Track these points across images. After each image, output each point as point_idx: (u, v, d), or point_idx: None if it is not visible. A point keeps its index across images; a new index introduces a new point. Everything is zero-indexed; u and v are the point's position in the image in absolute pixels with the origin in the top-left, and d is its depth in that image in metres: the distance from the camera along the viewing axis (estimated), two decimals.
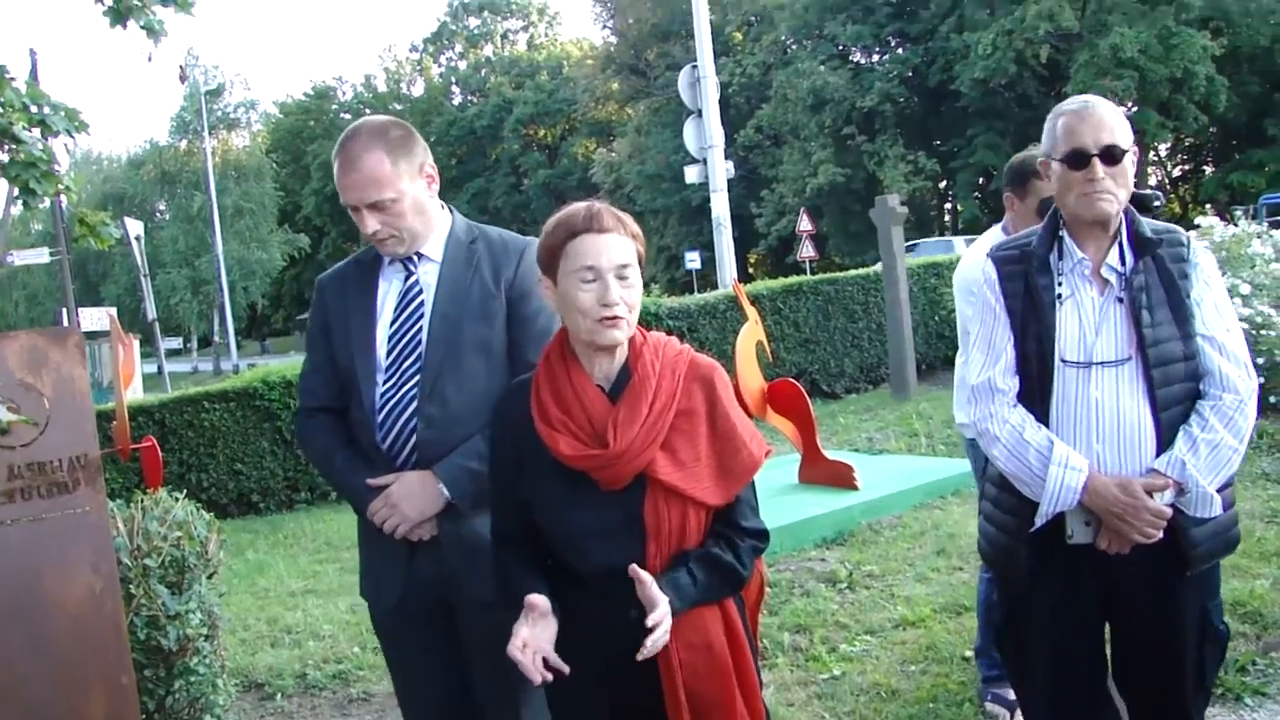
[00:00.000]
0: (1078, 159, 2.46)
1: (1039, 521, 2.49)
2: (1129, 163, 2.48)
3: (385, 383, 2.62)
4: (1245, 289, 8.15)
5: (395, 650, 2.78)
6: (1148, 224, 2.53)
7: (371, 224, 2.59)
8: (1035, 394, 2.53)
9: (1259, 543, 5.25)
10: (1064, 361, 2.49)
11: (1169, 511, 2.41)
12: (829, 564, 5.76)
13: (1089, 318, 2.49)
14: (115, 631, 2.62)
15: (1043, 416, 2.51)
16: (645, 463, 2.09)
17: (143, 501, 3.84)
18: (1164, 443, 2.43)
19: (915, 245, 26.67)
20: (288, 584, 6.89)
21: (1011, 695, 3.74)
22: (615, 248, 2.13)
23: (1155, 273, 2.47)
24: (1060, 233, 2.56)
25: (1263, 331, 7.91)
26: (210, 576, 3.93)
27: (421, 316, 2.64)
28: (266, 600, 6.56)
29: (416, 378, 2.59)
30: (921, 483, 7.15)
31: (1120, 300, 2.47)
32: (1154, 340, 2.43)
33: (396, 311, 2.66)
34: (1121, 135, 2.47)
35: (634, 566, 2.05)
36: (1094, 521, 2.47)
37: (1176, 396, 2.45)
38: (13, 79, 6.43)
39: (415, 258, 2.69)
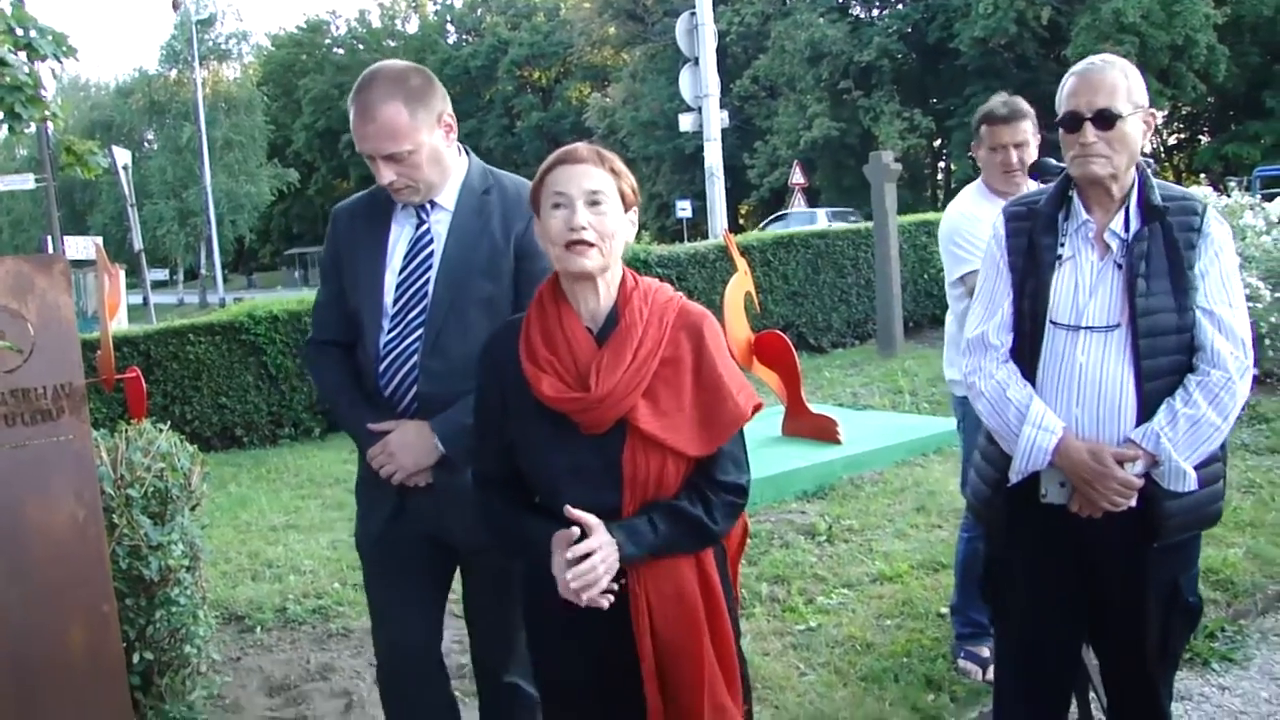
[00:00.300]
0: (1071, 122, 2.46)
1: (1013, 478, 2.52)
2: (1130, 127, 2.45)
3: (390, 330, 2.62)
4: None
5: (380, 570, 2.78)
6: (1163, 190, 2.50)
7: (387, 175, 2.56)
8: (1026, 352, 2.54)
9: (1235, 512, 5.30)
10: (1054, 323, 2.49)
11: (1138, 482, 2.41)
12: (809, 517, 5.80)
13: (1085, 280, 2.48)
14: (97, 560, 2.62)
15: (1030, 375, 2.52)
16: (626, 409, 2.08)
17: (126, 432, 3.83)
18: (1146, 413, 2.42)
19: (784, 216, 26.64)
20: (269, 518, 6.91)
21: (984, 653, 3.80)
22: (587, 176, 2.11)
23: (1160, 241, 2.44)
24: (1070, 193, 2.55)
25: (1250, 304, 7.94)
26: (193, 508, 3.93)
27: (430, 268, 2.63)
28: (248, 534, 6.58)
29: (420, 330, 2.60)
30: (904, 440, 7.19)
31: (1119, 266, 2.46)
32: (1146, 310, 2.41)
33: (406, 259, 2.65)
34: (1122, 99, 2.44)
35: (567, 507, 2.06)
36: (1069, 483, 2.48)
37: (1165, 368, 2.43)
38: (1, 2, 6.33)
39: (429, 205, 2.67)
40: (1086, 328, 2.46)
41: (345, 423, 2.75)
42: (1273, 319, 7.99)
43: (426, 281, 2.62)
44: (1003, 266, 2.60)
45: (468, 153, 2.76)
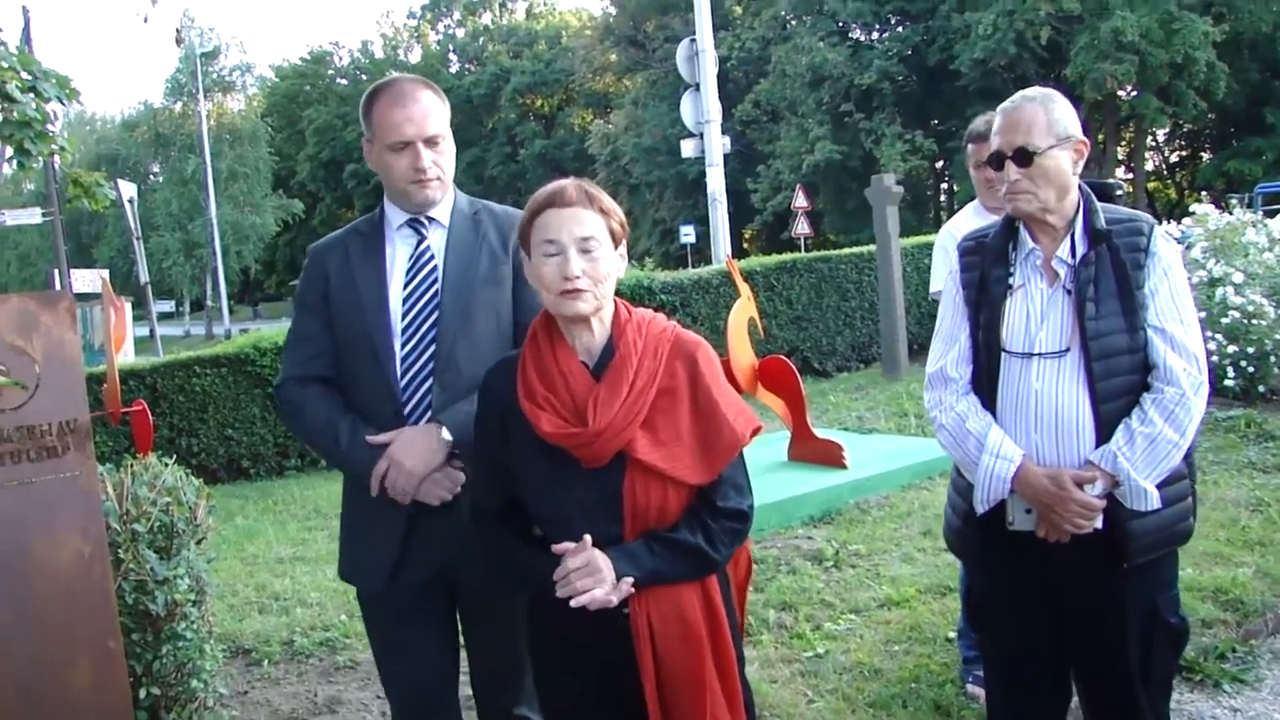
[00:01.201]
0: (995, 160, 2.54)
1: (978, 508, 2.55)
2: (1052, 160, 2.48)
3: (404, 347, 2.60)
4: (1238, 277, 8.18)
5: (384, 625, 2.73)
6: (1108, 214, 2.53)
7: (425, 158, 2.59)
8: (984, 383, 2.58)
9: (1243, 531, 5.29)
10: (1007, 351, 2.53)
11: (1099, 504, 2.42)
12: (816, 542, 5.79)
13: (1035, 308, 2.52)
14: (103, 596, 2.62)
15: (990, 405, 2.56)
16: (625, 441, 2.09)
17: (132, 466, 3.84)
18: (1104, 435, 2.44)
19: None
20: (276, 550, 6.91)
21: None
22: (577, 221, 2.12)
23: (1108, 263, 2.47)
24: (1017, 224, 2.60)
25: (1253, 320, 7.95)
26: (199, 542, 3.94)
27: (435, 281, 2.63)
28: (255, 566, 6.57)
29: (434, 343, 2.59)
30: (910, 463, 7.18)
31: (1068, 291, 2.49)
32: (1096, 332, 2.43)
33: (409, 275, 2.65)
34: (1040, 134, 2.47)
35: (558, 546, 2.09)
36: (1035, 510, 2.50)
37: (1119, 389, 2.45)
38: (2, 41, 6.38)
39: (426, 221, 2.69)
40: (1039, 354, 2.49)
41: (347, 455, 2.61)
42: (1277, 336, 7.98)
43: (435, 295, 2.62)
44: (959, 300, 2.65)
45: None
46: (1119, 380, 2.44)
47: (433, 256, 2.66)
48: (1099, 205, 2.54)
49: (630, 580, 2.07)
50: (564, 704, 2.29)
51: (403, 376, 2.60)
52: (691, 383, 2.16)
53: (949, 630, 4.38)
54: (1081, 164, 2.54)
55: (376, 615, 2.75)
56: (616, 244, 2.19)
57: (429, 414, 2.58)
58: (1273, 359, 7.99)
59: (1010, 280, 2.56)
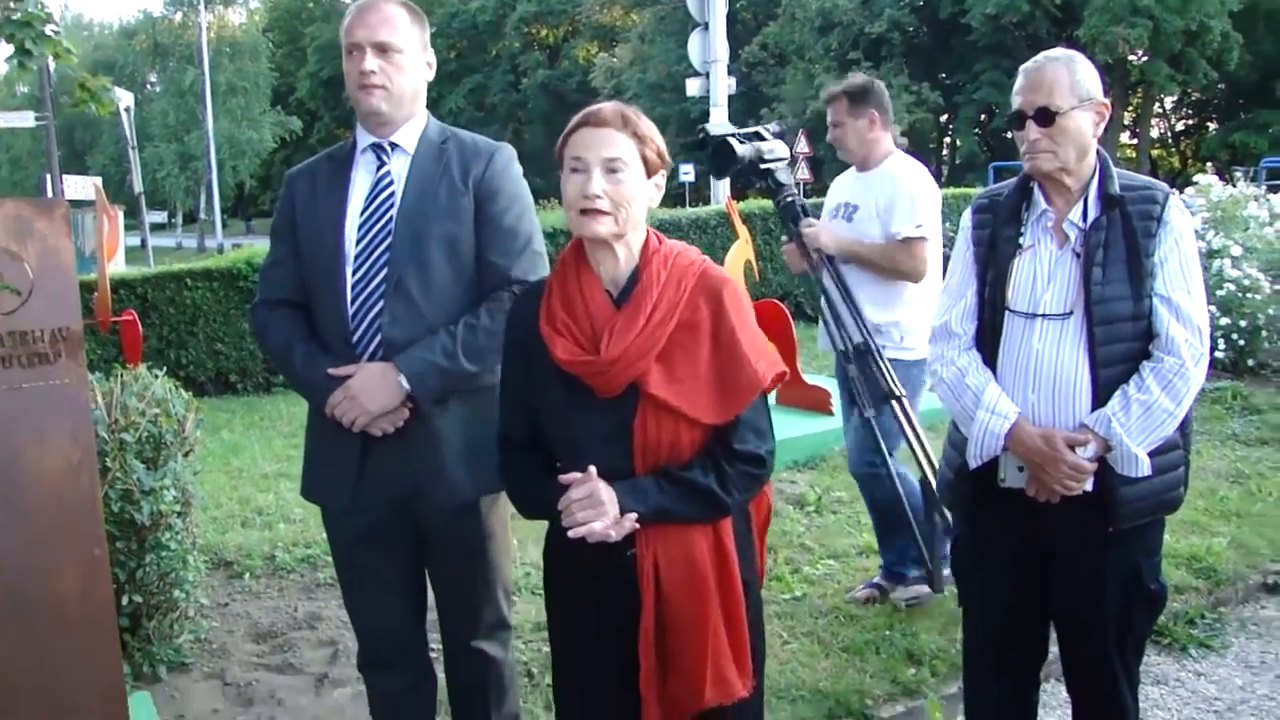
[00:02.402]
0: (1016, 120, 2.53)
1: (971, 463, 2.56)
2: (1074, 121, 2.47)
3: (355, 273, 2.57)
4: (1236, 250, 8.18)
5: (346, 547, 2.74)
6: (1123, 180, 2.53)
7: (371, 62, 2.55)
8: (987, 340, 2.60)
9: (1221, 501, 5.35)
10: (1011, 311, 2.54)
11: (1089, 466, 2.44)
12: (799, 487, 5.84)
13: (1043, 269, 2.53)
14: (90, 504, 2.63)
15: (991, 362, 2.58)
16: (638, 373, 2.05)
17: (122, 376, 3.84)
18: (1101, 399, 2.46)
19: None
20: (261, 466, 6.94)
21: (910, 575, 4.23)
22: (606, 141, 2.08)
23: (1119, 229, 2.47)
24: (1031, 184, 2.60)
25: (1248, 294, 7.96)
26: (186, 454, 3.96)
27: (392, 207, 2.60)
28: (239, 481, 6.61)
29: (385, 269, 2.56)
30: None
31: (1076, 255, 2.49)
32: (1100, 297, 2.44)
33: (367, 201, 2.62)
34: (1062, 94, 2.46)
35: (564, 476, 2.07)
36: (1026, 468, 2.52)
37: (1120, 355, 2.46)
38: None
39: (389, 148, 2.65)
40: (1042, 315, 2.50)
41: (300, 377, 2.64)
42: (1271, 310, 8.01)
43: (389, 221, 2.58)
44: (968, 257, 2.66)
45: (427, 113, 2.76)
46: (1120, 346, 2.45)
47: (391, 183, 2.63)
48: (1115, 171, 2.53)
49: (634, 517, 2.04)
50: (569, 638, 2.29)
51: (352, 304, 2.57)
52: (714, 319, 2.10)
53: None
54: (1102, 126, 2.53)
55: (338, 536, 2.76)
56: (651, 172, 2.13)
57: (379, 343, 2.56)
58: (1264, 333, 8.03)
59: (1021, 240, 2.56)
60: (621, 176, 2.08)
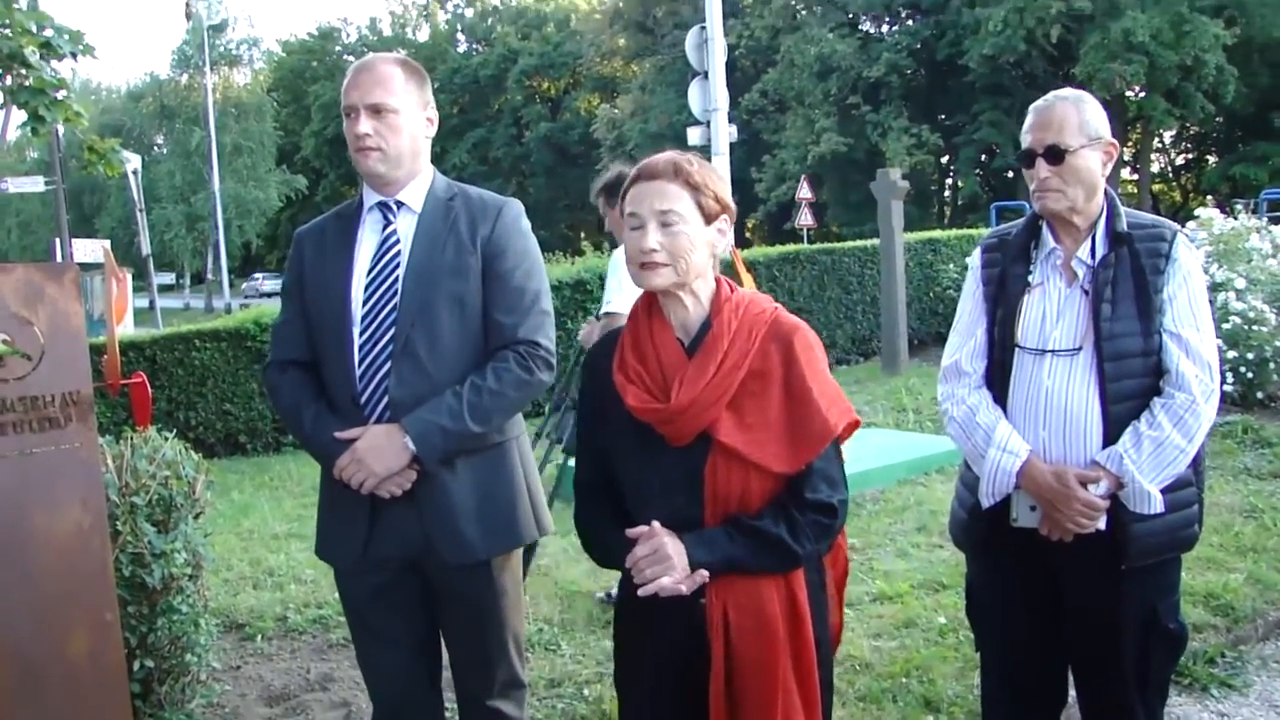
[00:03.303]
0: (1026, 158, 2.55)
1: (984, 502, 2.55)
2: (1083, 160, 2.50)
3: (363, 333, 2.58)
4: (1240, 283, 8.18)
5: (357, 604, 2.74)
6: (1131, 218, 2.55)
7: (365, 125, 2.56)
8: (997, 377, 2.60)
9: (1236, 537, 5.31)
10: (1021, 348, 2.55)
11: (1102, 504, 2.43)
12: None
13: (1052, 307, 2.54)
14: (101, 568, 2.63)
15: (1002, 400, 2.57)
16: (708, 421, 2.05)
17: (132, 439, 3.85)
18: (1112, 435, 2.46)
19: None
20: (272, 526, 6.93)
21: None
22: (659, 194, 2.09)
23: (1127, 266, 2.49)
24: (1040, 223, 2.62)
25: (1254, 326, 7.95)
26: (197, 516, 3.95)
27: (398, 267, 2.60)
28: (250, 542, 6.60)
29: (392, 330, 2.57)
30: (906, 458, 7.19)
31: (1085, 292, 2.51)
32: (1110, 333, 2.45)
33: (373, 261, 2.62)
34: (1072, 133, 2.49)
35: (631, 530, 2.06)
36: (1039, 507, 2.51)
37: (1130, 391, 2.46)
38: (17, 2, 6.36)
39: (394, 206, 2.66)
40: (1051, 351, 2.51)
41: (309, 439, 2.65)
42: (1278, 342, 7.98)
43: (395, 281, 2.59)
44: (977, 296, 2.68)
45: (434, 170, 2.77)
46: (1130, 383, 2.46)
47: (398, 242, 2.63)
48: (1122, 209, 2.55)
49: (704, 571, 2.02)
50: (636, 687, 2.27)
51: (359, 364, 2.58)
52: (785, 367, 2.10)
53: (942, 624, 4.40)
54: (1110, 166, 2.56)
55: (350, 595, 2.75)
56: (709, 220, 2.13)
57: (386, 403, 2.56)
58: (1272, 365, 7.99)
59: (1030, 278, 2.58)
60: (677, 228, 2.08)
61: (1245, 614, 4.47)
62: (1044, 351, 2.51)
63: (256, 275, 51.51)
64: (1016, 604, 2.64)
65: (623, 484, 2.20)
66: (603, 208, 4.71)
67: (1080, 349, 2.48)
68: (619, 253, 4.51)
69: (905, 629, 4.46)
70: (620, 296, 4.51)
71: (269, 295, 41.90)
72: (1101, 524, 2.45)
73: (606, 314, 4.61)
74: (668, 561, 2.02)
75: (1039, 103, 2.59)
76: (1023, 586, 2.62)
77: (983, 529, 2.62)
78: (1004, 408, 2.56)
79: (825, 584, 2.22)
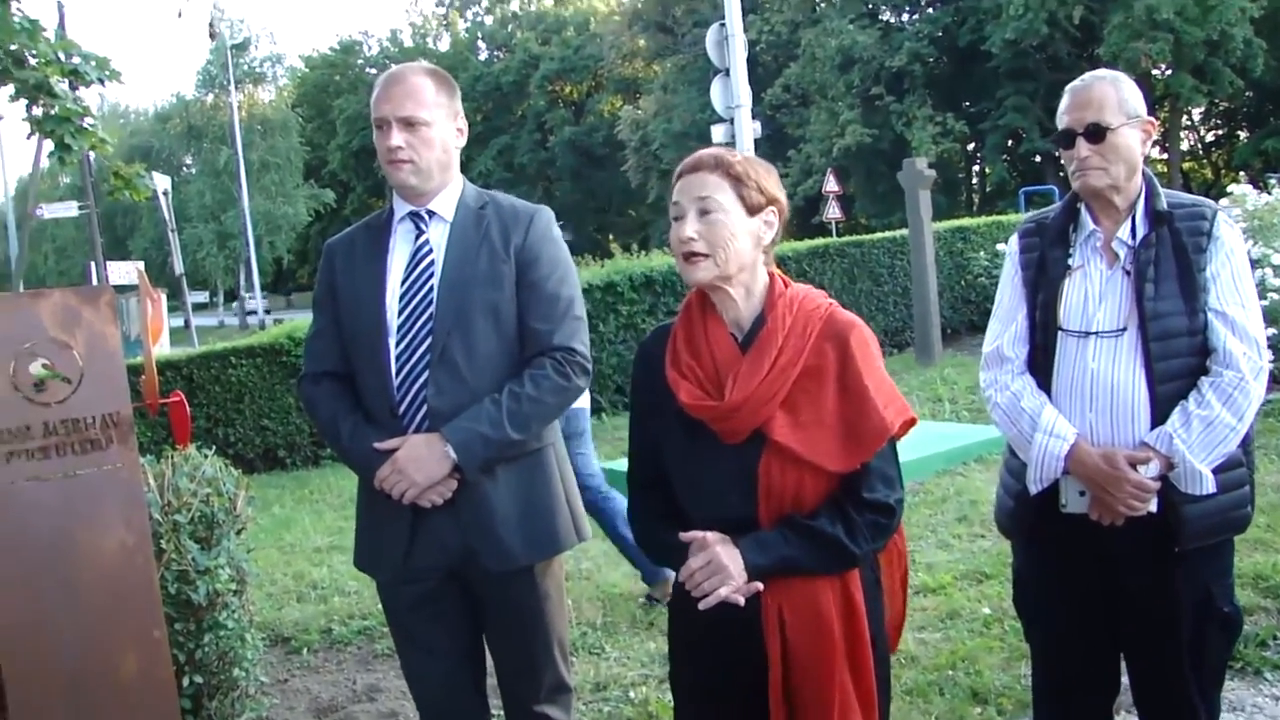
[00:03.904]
0: (1066, 138, 2.53)
1: (1032, 488, 2.51)
2: (1123, 138, 2.47)
3: (399, 344, 2.58)
4: (1276, 259, 8.06)
5: (399, 615, 2.75)
6: (1170, 198, 2.52)
7: (397, 138, 2.57)
8: (1040, 362, 2.56)
9: None
10: (1064, 331, 2.51)
11: (1154, 485, 2.40)
12: None
13: (1094, 289, 2.51)
14: (147, 586, 2.66)
15: (1046, 384, 2.54)
16: (762, 419, 2.03)
17: (173, 458, 3.89)
18: (1160, 416, 2.42)
19: None
20: (313, 539, 6.98)
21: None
22: (700, 185, 2.08)
23: (1168, 245, 2.46)
24: (1078, 205, 2.59)
25: None
26: (239, 532, 3.98)
27: (432, 276, 2.61)
28: (292, 555, 6.65)
29: (429, 339, 2.57)
30: (944, 449, 7.16)
31: (1127, 273, 2.48)
32: (1155, 313, 2.42)
33: (407, 271, 2.63)
34: (1111, 111, 2.47)
35: (685, 535, 2.05)
36: (1088, 492, 2.47)
37: (1177, 370, 2.43)
38: (45, 31, 6.43)
39: (426, 216, 2.67)
40: (1095, 333, 2.47)
41: (348, 451, 2.65)
42: None
43: (430, 290, 2.59)
44: (1017, 282, 2.64)
45: (463, 179, 2.78)
46: (1177, 362, 2.42)
47: (431, 252, 2.64)
48: (1160, 189, 2.52)
49: (758, 584, 2.01)
50: (692, 678, 2.26)
51: (397, 375, 2.58)
52: (840, 365, 2.06)
53: (986, 615, 4.37)
54: (1149, 144, 2.54)
55: (392, 606, 2.76)
56: (752, 211, 2.09)
57: (425, 413, 2.56)
58: None
59: (1069, 261, 2.55)
60: (716, 217, 2.06)
61: None
62: (1088, 334, 2.48)
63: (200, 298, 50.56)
64: (1067, 592, 2.60)
65: (675, 481, 2.18)
66: None
67: (1125, 330, 2.45)
68: None
69: (950, 621, 4.44)
70: None
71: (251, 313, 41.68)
72: (1153, 506, 2.41)
73: None
74: (723, 572, 2.00)
75: (1075, 83, 2.57)
76: (1073, 573, 2.58)
77: (1030, 516, 2.58)
78: (1048, 392, 2.53)
79: (880, 581, 2.20)
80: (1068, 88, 2.59)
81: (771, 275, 2.17)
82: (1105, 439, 2.46)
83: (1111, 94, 2.49)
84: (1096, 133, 2.47)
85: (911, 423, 2.09)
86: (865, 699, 2.06)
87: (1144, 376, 2.43)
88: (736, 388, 2.03)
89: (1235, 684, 3.84)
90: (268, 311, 41.69)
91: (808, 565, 2.04)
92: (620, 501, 4.87)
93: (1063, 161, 2.57)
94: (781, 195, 2.16)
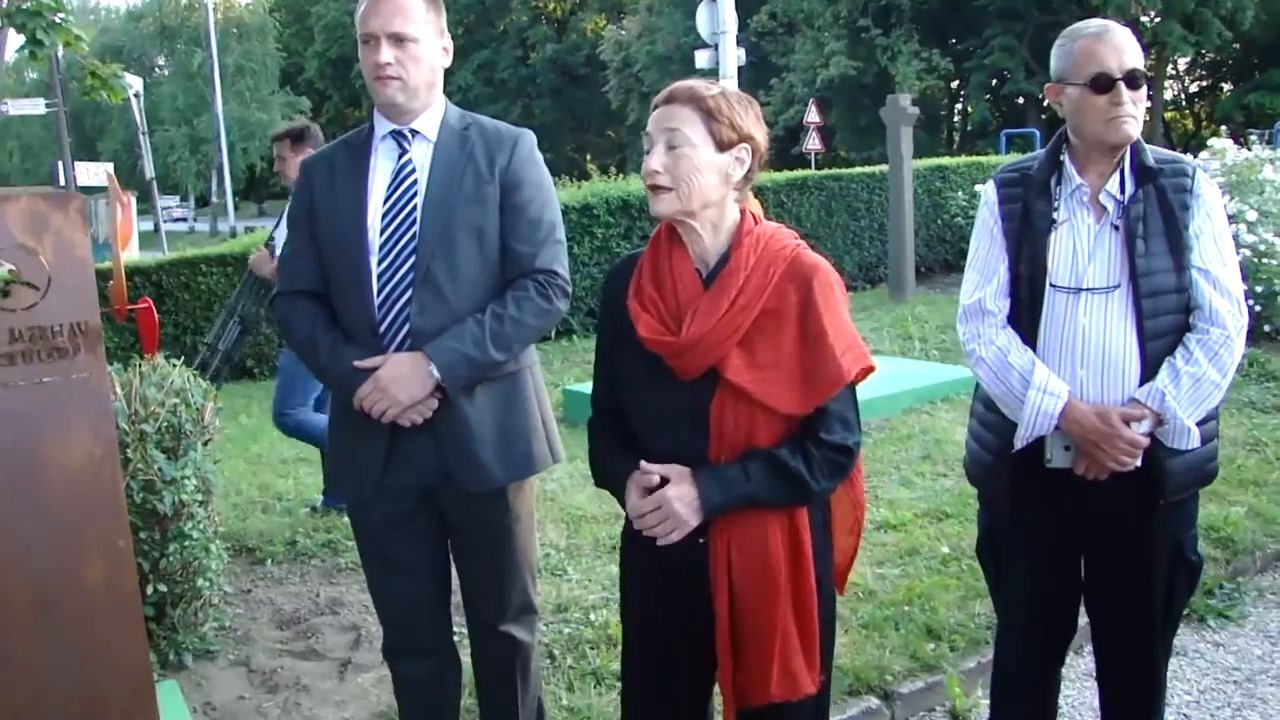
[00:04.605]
0: (1103, 83, 2.41)
1: (1018, 444, 2.51)
2: (1145, 87, 2.47)
3: (381, 262, 2.56)
4: (1251, 215, 8.13)
5: (372, 535, 2.75)
6: (1152, 153, 2.51)
7: (386, 54, 2.52)
8: (1025, 317, 2.54)
9: (1238, 470, 5.34)
10: (1054, 286, 2.49)
11: (1145, 441, 2.43)
12: None
13: (1083, 244, 2.49)
14: (113, 496, 2.65)
15: (1031, 340, 2.52)
16: (718, 358, 2.03)
17: (141, 367, 3.87)
18: (1148, 373, 2.44)
19: None
20: (280, 451, 6.97)
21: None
22: (669, 115, 2.06)
23: (1155, 202, 2.45)
24: (1061, 157, 2.55)
25: (1264, 259, 7.92)
26: (206, 443, 3.98)
27: (415, 194, 2.58)
28: (259, 466, 6.65)
29: (412, 258, 2.55)
30: (912, 387, 7.21)
31: (1115, 228, 2.47)
32: (1146, 270, 2.42)
33: (389, 190, 2.59)
34: (1140, 60, 2.45)
35: (642, 463, 2.06)
36: (1073, 446, 2.49)
37: (1165, 328, 2.45)
38: None
39: (409, 135, 2.63)
40: (1088, 289, 2.47)
41: (326, 370, 2.63)
42: None
43: (414, 209, 2.56)
44: (996, 233, 2.59)
45: (445, 99, 2.74)
46: (1165, 319, 2.44)
47: (414, 171, 2.60)
48: (1144, 144, 2.50)
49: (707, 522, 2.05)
50: (639, 610, 2.30)
51: (379, 294, 2.56)
52: (801, 308, 2.05)
53: (945, 553, 4.45)
54: None
55: (364, 525, 2.76)
56: (723, 148, 2.07)
57: (407, 332, 2.55)
58: None
59: (1054, 214, 2.52)
60: (682, 151, 2.04)
61: (1244, 547, 4.53)
62: (1079, 289, 2.47)
63: (170, 202, 49.31)
64: (1040, 543, 2.63)
65: (630, 412, 2.20)
66: (285, 151, 5.12)
67: (1118, 286, 2.44)
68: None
69: (908, 557, 4.51)
70: None
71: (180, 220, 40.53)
72: (1138, 461, 2.44)
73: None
74: (674, 518, 2.04)
75: (1094, 27, 2.48)
76: (1050, 526, 2.60)
77: (1010, 471, 2.58)
78: (1033, 347, 2.52)
79: (829, 523, 2.22)
80: (1086, 33, 2.48)
81: (743, 212, 2.15)
82: (1095, 395, 2.46)
83: (1134, 42, 2.45)
84: (1136, 80, 2.42)
85: (869, 370, 2.09)
86: (807, 640, 2.10)
87: (1135, 334, 2.44)
88: (694, 324, 2.03)
89: (1181, 630, 3.91)
90: (233, 233, 41.13)
91: (765, 499, 2.05)
92: (314, 416, 5.24)
93: (1081, 108, 2.46)
94: (759, 133, 2.13)
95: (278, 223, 5.25)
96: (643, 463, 2.08)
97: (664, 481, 2.06)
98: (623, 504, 2.18)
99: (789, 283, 2.06)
